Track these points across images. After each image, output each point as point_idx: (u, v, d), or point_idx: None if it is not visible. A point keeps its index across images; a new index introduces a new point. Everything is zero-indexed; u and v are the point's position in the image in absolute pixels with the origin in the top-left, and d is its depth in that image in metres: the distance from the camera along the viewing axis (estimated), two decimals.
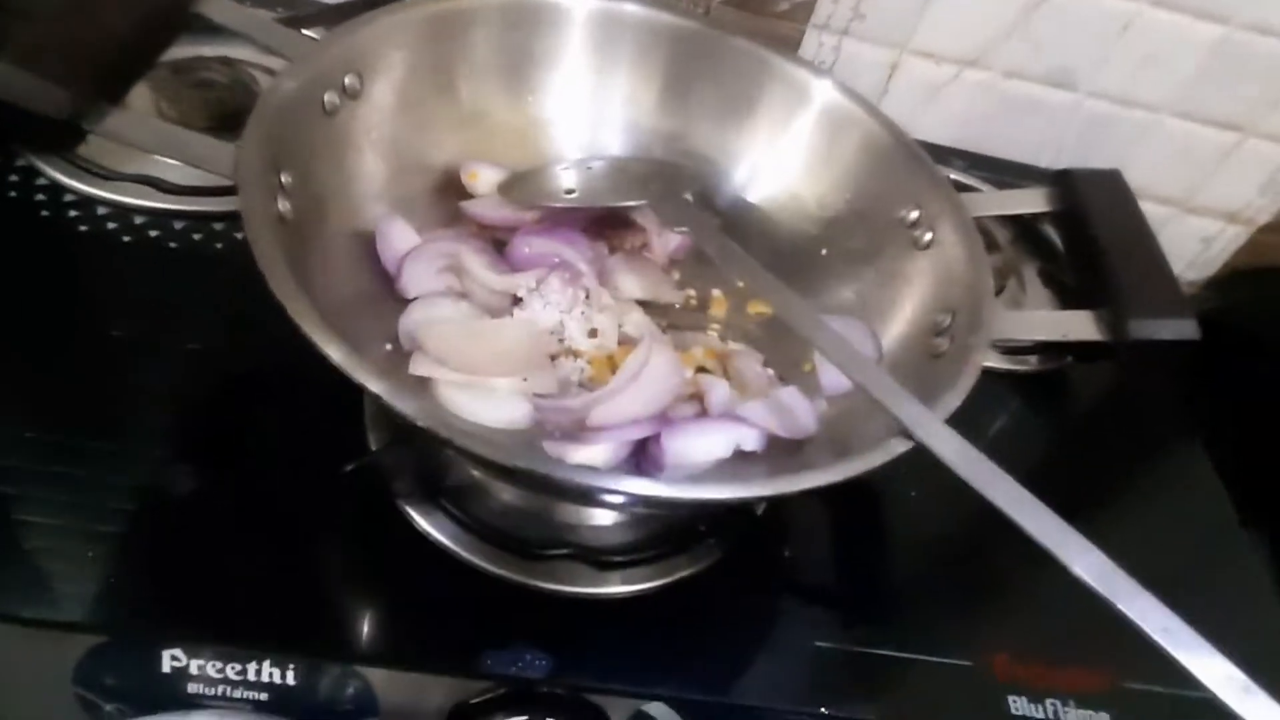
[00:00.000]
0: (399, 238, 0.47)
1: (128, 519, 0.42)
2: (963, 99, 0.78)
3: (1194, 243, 0.87)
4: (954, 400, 0.38)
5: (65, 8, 0.36)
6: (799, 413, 0.45)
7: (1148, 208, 0.82)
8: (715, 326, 0.51)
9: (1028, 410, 0.61)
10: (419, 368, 0.43)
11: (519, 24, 0.52)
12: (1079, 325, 0.43)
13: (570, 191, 0.49)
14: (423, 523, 0.45)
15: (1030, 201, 0.51)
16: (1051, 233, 0.66)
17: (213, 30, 0.45)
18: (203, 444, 0.46)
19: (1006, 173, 0.80)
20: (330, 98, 0.45)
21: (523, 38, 0.53)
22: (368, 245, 0.47)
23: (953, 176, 0.75)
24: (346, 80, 0.46)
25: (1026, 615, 0.50)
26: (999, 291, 0.66)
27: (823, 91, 0.52)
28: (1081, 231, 0.47)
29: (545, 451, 0.42)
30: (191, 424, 0.47)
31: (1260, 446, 0.70)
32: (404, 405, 0.32)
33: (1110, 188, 0.49)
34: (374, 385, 0.32)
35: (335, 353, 0.32)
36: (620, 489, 0.31)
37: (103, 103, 0.37)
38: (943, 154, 0.80)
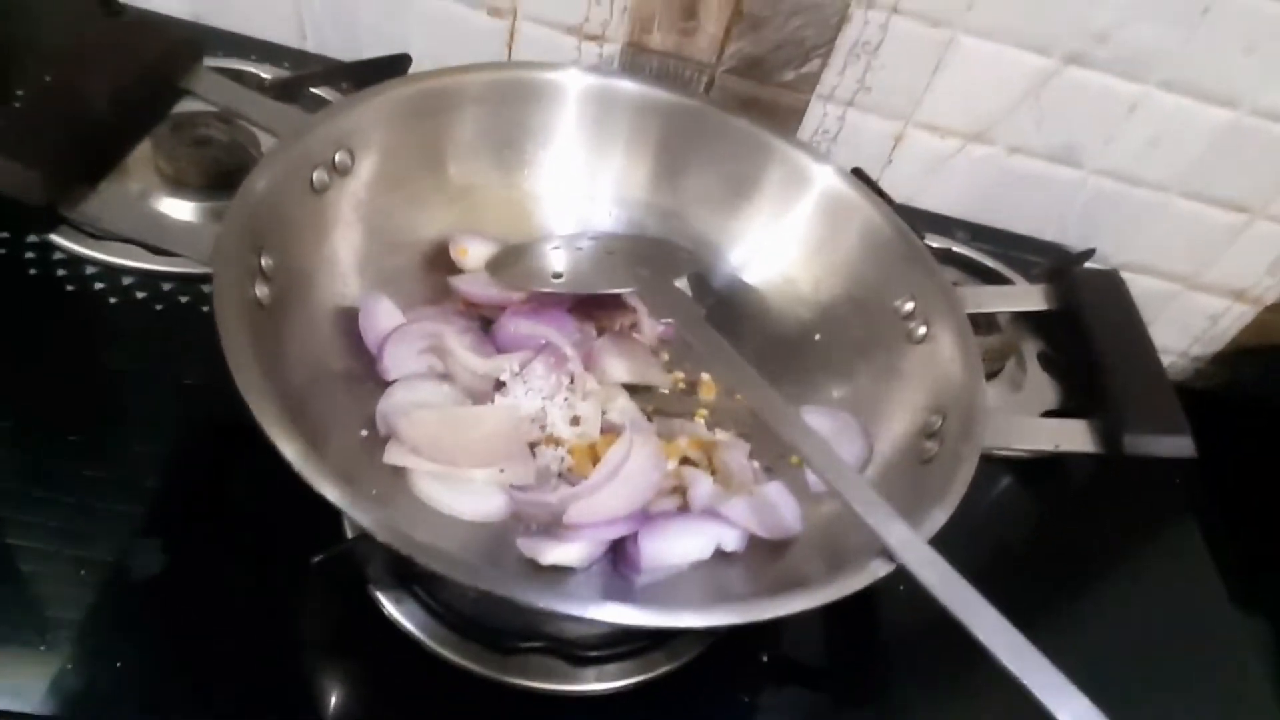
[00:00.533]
0: (383, 316, 0.46)
1: (93, 597, 0.41)
2: (967, 171, 0.78)
3: (1200, 319, 0.85)
4: (940, 516, 0.37)
5: (45, 91, 0.35)
6: (784, 512, 0.43)
7: (1154, 283, 0.83)
8: (703, 412, 0.50)
9: (1017, 488, 0.60)
10: (393, 457, 0.42)
11: (512, 100, 0.52)
12: (1072, 436, 0.42)
13: (558, 275, 0.49)
14: (393, 611, 0.44)
15: (1027, 299, 0.50)
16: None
17: None
18: (174, 521, 0.45)
19: (1009, 245, 0.79)
20: (320, 175, 0.45)
21: (516, 113, 0.52)
22: (349, 322, 0.47)
23: (955, 248, 0.75)
24: (337, 157, 0.46)
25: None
26: (997, 372, 0.65)
27: (824, 177, 0.52)
28: (1078, 334, 0.46)
29: (519, 548, 0.41)
30: (163, 499, 0.46)
31: (1262, 523, 0.68)
32: (363, 518, 0.31)
33: (1108, 289, 0.48)
34: (332, 494, 0.31)
35: (294, 455, 0.31)
36: (587, 616, 0.30)
37: (81, 185, 0.36)
38: (945, 224, 0.79)
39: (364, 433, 0.44)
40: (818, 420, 0.45)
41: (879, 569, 0.34)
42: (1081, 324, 0.46)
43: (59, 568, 0.41)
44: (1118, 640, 0.50)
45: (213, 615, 0.43)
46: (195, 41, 0.42)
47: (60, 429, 0.46)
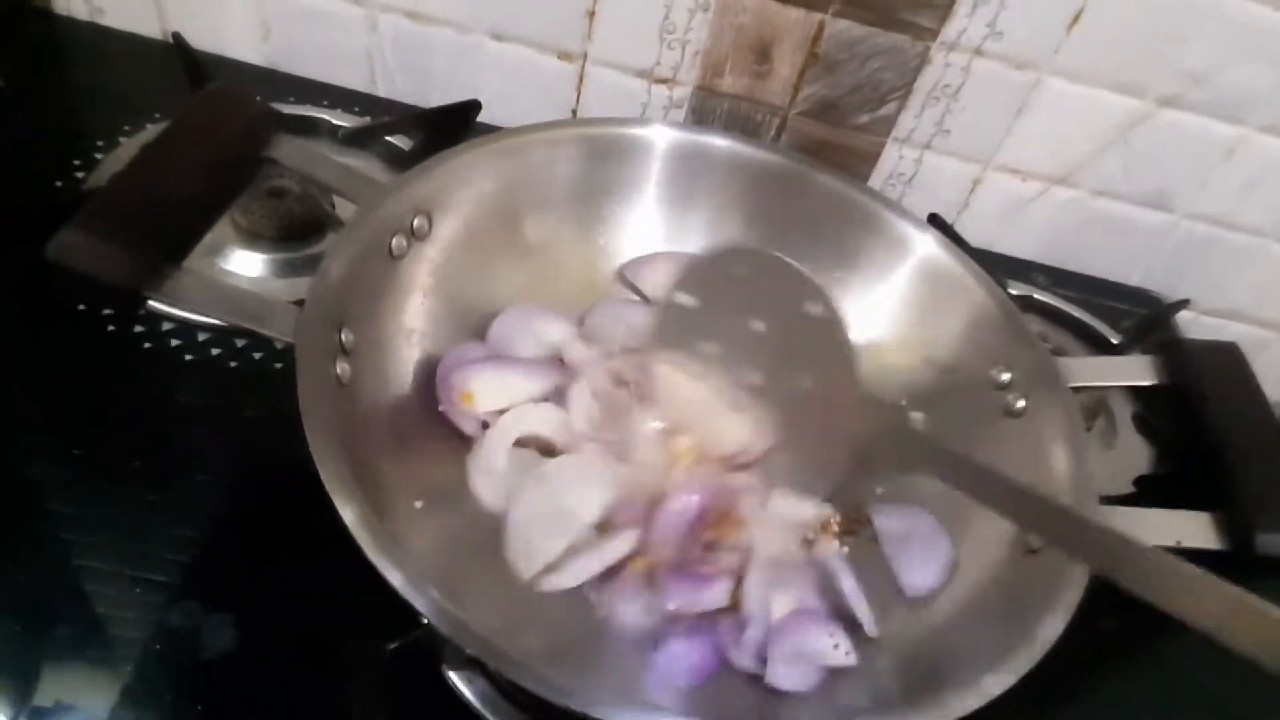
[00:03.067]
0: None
1: (159, 672, 0.40)
2: (1048, 215, 0.75)
3: None
4: (1056, 625, 0.34)
5: (133, 170, 0.35)
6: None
7: (1248, 330, 0.79)
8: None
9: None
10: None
11: (594, 157, 0.51)
12: (1195, 530, 0.39)
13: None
14: (465, 690, 0.43)
15: (1136, 372, 0.47)
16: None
17: None
18: (244, 598, 0.45)
19: (1092, 290, 0.76)
20: (398, 241, 0.44)
21: (597, 171, 0.51)
22: (422, 390, 0.45)
23: (1036, 295, 0.72)
24: (415, 221, 0.45)
25: None
26: (1087, 429, 0.62)
27: (923, 244, 0.50)
28: (1195, 414, 0.43)
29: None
30: (233, 576, 0.45)
31: None
32: (455, 633, 0.29)
33: (1229, 363, 0.45)
34: (429, 612, 0.30)
35: (401, 584, 0.31)
36: None
37: (166, 265, 0.36)
38: (1025, 268, 0.76)
39: (418, 504, 0.42)
40: (891, 523, 0.43)
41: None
42: (1198, 401, 0.43)
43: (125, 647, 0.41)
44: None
45: (274, 686, 0.42)
46: (276, 111, 0.42)
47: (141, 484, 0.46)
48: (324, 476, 0.32)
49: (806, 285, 0.40)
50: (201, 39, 0.68)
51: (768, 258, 0.42)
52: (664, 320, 0.45)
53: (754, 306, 0.42)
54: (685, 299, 0.44)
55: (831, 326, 0.40)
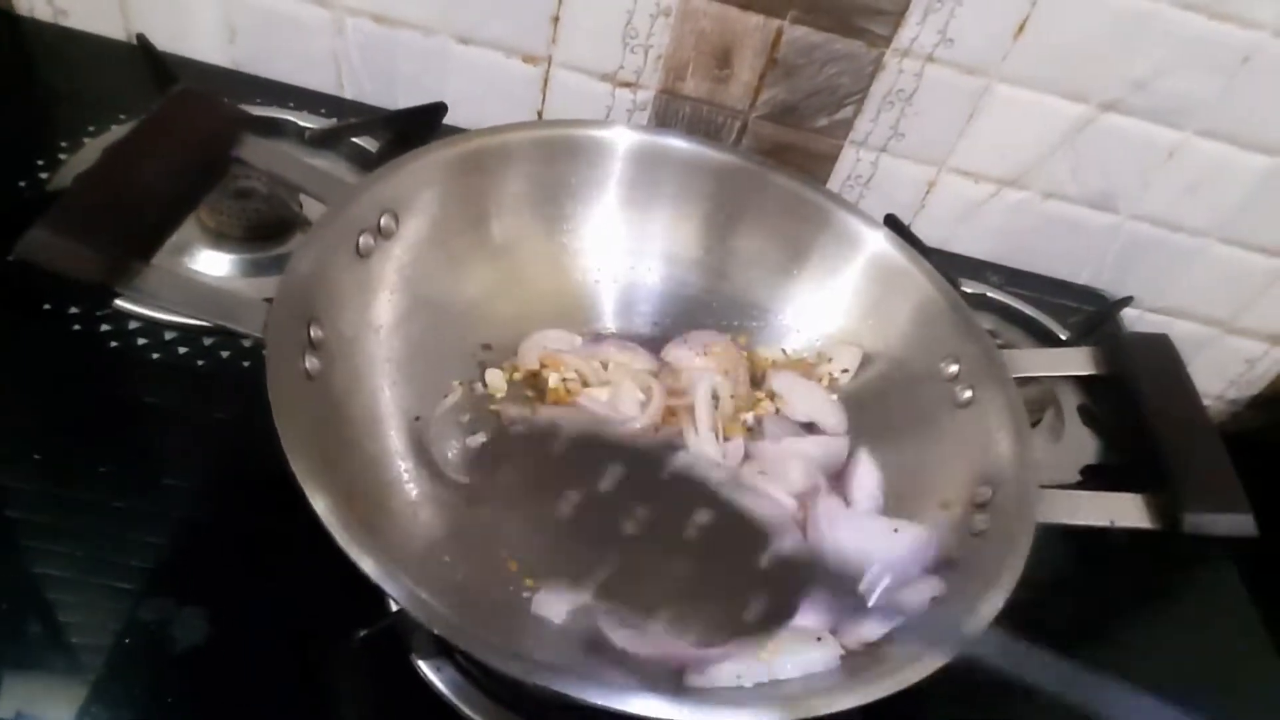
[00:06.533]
0: None
1: (125, 663, 0.41)
2: (1000, 216, 0.77)
3: (1237, 363, 0.84)
4: (997, 599, 0.36)
5: (101, 169, 0.36)
6: None
7: (1190, 327, 0.82)
8: None
9: (1062, 552, 0.59)
10: None
11: (557, 158, 0.52)
12: (1128, 511, 0.41)
13: None
14: (434, 678, 0.44)
15: (1076, 363, 0.50)
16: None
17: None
18: (215, 588, 0.45)
19: (1043, 289, 0.79)
20: (365, 240, 0.45)
21: (562, 171, 0.53)
22: (392, 385, 0.46)
23: (989, 294, 0.74)
24: (382, 220, 0.46)
25: None
26: (1035, 423, 0.64)
27: (874, 241, 0.51)
28: (1129, 400, 0.45)
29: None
30: (200, 566, 0.46)
31: None
32: (426, 617, 0.31)
33: (1160, 355, 0.47)
34: (401, 596, 0.31)
35: (372, 570, 0.32)
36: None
37: (136, 262, 0.36)
38: (978, 268, 0.79)
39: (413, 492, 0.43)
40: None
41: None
42: (1133, 391, 0.45)
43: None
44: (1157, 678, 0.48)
45: (246, 677, 0.42)
46: (244, 113, 0.42)
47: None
48: (295, 468, 0.33)
49: None
50: (166, 41, 0.69)
51: None
52: None
53: None
54: None
55: None
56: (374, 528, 0.39)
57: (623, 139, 0.52)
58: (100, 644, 0.41)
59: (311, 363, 0.40)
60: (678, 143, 0.53)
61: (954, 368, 0.48)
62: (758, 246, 0.52)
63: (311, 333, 0.40)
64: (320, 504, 0.33)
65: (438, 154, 0.48)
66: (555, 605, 0.42)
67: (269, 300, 0.40)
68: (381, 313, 0.47)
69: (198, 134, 0.41)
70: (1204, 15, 0.63)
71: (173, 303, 0.38)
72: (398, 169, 0.46)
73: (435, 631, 0.31)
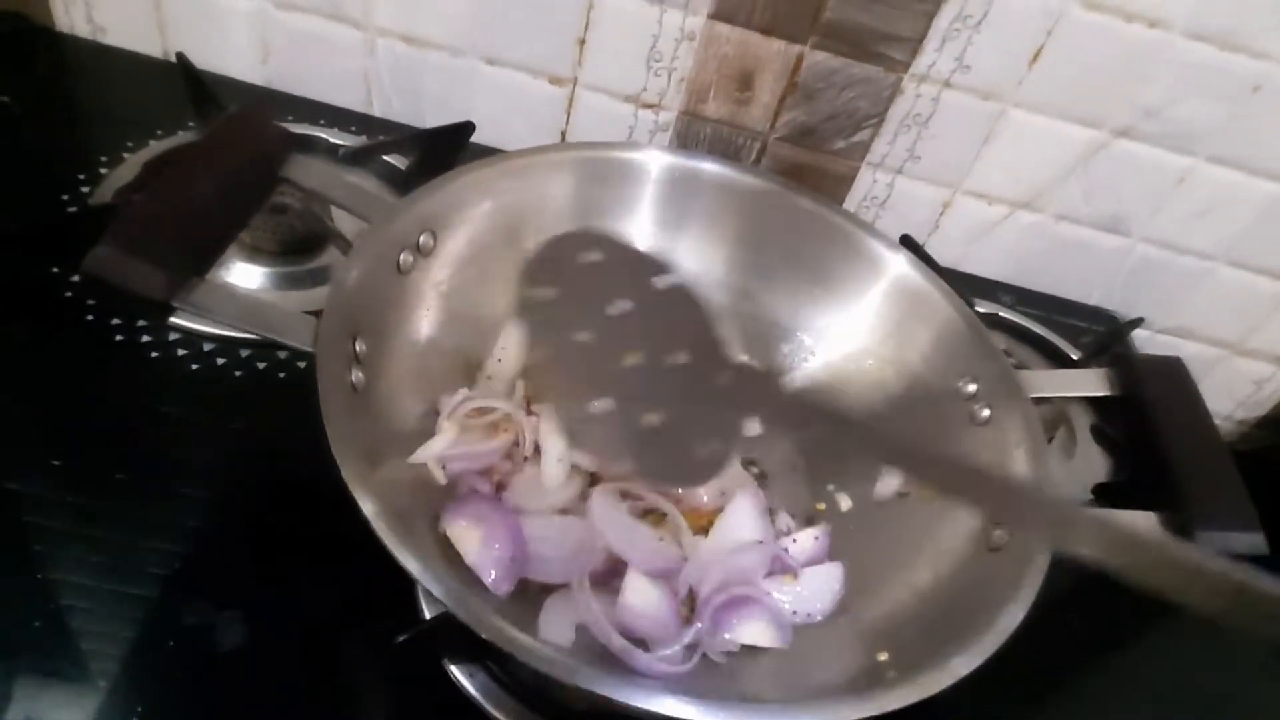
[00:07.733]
0: None
1: (170, 668, 0.42)
2: (1013, 237, 0.79)
3: (1245, 384, 0.86)
4: (1016, 613, 0.37)
5: (161, 189, 0.37)
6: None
7: (1199, 348, 0.83)
8: None
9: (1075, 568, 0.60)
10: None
11: (591, 179, 0.54)
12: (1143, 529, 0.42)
13: None
14: (466, 684, 0.45)
15: (1091, 384, 0.51)
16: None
17: None
18: (251, 594, 0.47)
19: (1055, 309, 0.80)
20: (405, 257, 0.47)
21: (594, 192, 0.54)
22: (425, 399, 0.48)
23: (1002, 313, 0.76)
24: (421, 238, 0.48)
25: None
26: (1048, 441, 0.66)
27: (896, 265, 0.53)
28: (1143, 422, 0.46)
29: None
30: (236, 577, 0.47)
31: None
32: (472, 620, 0.32)
33: (1173, 377, 0.49)
34: (446, 598, 0.32)
35: (418, 570, 0.33)
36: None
37: (191, 278, 0.38)
38: (991, 288, 0.80)
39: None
40: None
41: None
42: (1146, 412, 0.46)
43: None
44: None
45: (290, 693, 0.44)
46: (290, 133, 0.44)
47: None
48: (345, 475, 0.34)
49: (646, 260, 0.43)
50: (201, 59, 0.71)
51: (604, 238, 0.45)
52: (528, 317, 0.45)
53: (608, 288, 0.43)
54: (543, 292, 0.44)
55: (684, 293, 0.43)
56: (415, 534, 0.40)
57: (655, 161, 0.54)
58: (115, 651, 0.42)
59: (356, 376, 0.41)
60: (707, 165, 0.54)
61: (972, 387, 0.50)
62: (783, 268, 0.54)
63: (356, 347, 0.42)
64: (369, 508, 0.34)
65: (477, 174, 0.49)
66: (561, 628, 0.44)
67: (311, 314, 0.41)
68: (420, 327, 0.48)
69: (249, 153, 0.43)
70: (1215, 46, 0.65)
71: (226, 317, 0.39)
72: (438, 188, 0.48)
73: (483, 636, 0.32)
